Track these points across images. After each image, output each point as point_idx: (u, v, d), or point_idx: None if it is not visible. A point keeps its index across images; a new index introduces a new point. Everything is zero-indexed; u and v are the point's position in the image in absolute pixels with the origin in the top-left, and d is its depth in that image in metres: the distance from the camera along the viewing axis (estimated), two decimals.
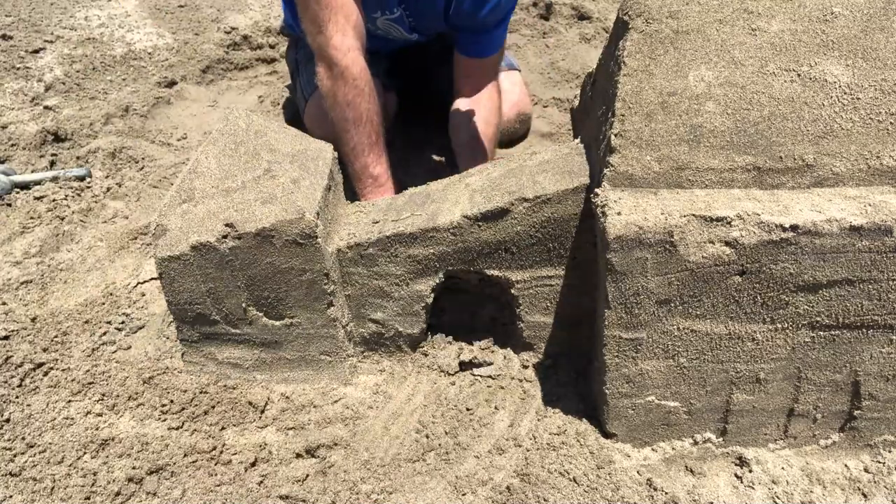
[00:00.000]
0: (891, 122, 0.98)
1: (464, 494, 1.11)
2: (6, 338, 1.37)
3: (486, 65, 1.95)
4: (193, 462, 1.17)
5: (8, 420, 1.21)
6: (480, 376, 1.30)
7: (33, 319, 1.43)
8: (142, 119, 2.21)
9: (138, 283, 1.54)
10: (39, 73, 2.39)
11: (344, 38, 1.59)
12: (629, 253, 0.99)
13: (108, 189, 1.89)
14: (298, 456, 1.19)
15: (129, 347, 1.38)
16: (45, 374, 1.31)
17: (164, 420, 1.24)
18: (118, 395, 1.27)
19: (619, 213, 0.99)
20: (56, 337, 1.39)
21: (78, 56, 2.52)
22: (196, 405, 1.26)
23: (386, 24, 1.90)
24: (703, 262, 0.98)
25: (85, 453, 1.18)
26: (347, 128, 1.60)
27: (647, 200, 1.01)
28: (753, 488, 1.11)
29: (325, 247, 1.17)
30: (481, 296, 1.35)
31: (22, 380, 1.29)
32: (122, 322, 1.43)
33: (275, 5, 3.05)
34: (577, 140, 1.29)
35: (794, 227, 0.94)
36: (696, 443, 1.16)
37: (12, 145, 2.02)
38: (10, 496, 1.10)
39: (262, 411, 1.27)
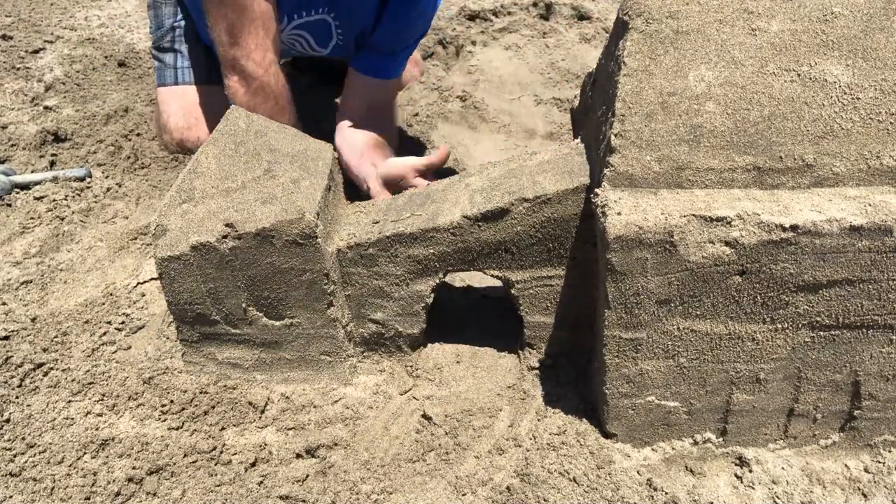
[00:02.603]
0: (891, 122, 0.98)
1: (464, 494, 1.11)
2: (6, 338, 1.37)
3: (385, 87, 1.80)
4: (193, 462, 1.17)
5: (8, 420, 1.21)
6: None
7: (33, 319, 1.43)
8: (142, 119, 2.21)
9: (138, 283, 1.54)
10: (39, 73, 2.39)
11: (265, 54, 1.48)
12: (629, 253, 0.99)
13: (108, 189, 1.89)
14: (298, 456, 1.19)
15: (129, 347, 1.38)
16: (45, 374, 1.31)
17: (164, 420, 1.24)
18: (118, 396, 1.27)
19: (619, 213, 0.99)
20: (56, 337, 1.39)
21: (78, 56, 2.51)
22: (196, 405, 1.26)
23: (293, 35, 1.76)
24: (703, 262, 0.98)
25: (85, 453, 1.18)
26: None
27: (647, 200, 1.01)
28: (753, 488, 1.11)
29: (325, 247, 1.17)
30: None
31: (22, 380, 1.29)
32: (122, 322, 1.43)
33: None
34: (577, 140, 1.29)
35: (794, 227, 0.94)
36: (696, 443, 1.16)
37: (12, 145, 2.01)
38: (10, 496, 1.10)
39: (262, 411, 1.27)
